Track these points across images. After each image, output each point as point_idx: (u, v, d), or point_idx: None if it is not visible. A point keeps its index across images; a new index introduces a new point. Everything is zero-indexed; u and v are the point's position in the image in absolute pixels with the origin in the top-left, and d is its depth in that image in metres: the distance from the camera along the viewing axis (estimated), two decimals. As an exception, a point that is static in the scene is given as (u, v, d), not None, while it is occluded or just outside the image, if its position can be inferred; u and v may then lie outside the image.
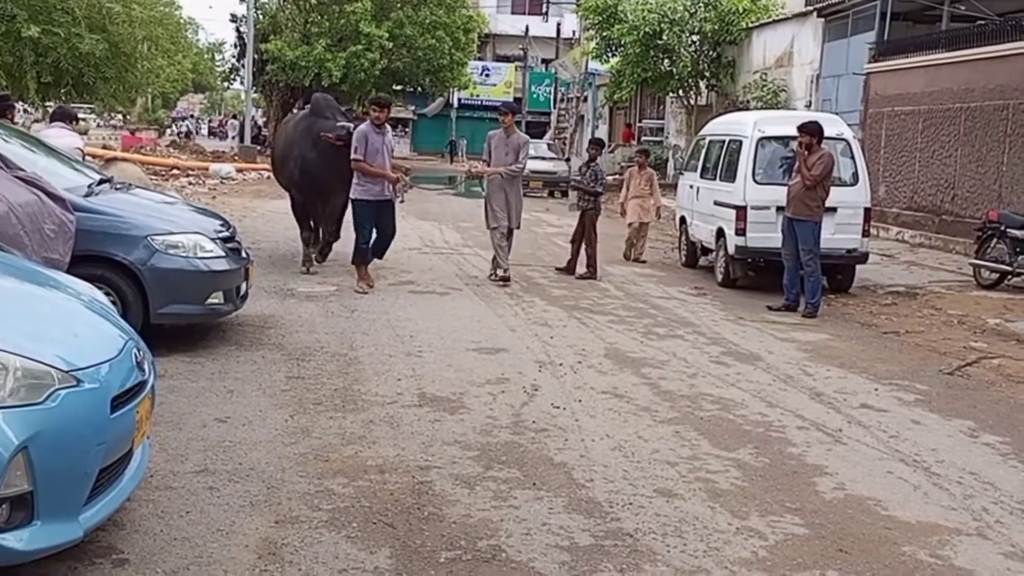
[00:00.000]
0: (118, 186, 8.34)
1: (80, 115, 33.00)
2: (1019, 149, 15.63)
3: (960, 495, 5.30)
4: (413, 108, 53.02)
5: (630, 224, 15.04)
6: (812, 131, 10.70)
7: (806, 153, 10.62)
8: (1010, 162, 15.82)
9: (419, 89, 43.11)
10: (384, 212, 10.65)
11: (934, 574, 4.29)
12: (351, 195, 10.61)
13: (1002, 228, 12.55)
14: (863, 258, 12.20)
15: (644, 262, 14.52)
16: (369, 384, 6.80)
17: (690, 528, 4.63)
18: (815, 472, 5.55)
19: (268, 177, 29.61)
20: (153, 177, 22.15)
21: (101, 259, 7.08)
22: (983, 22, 18.28)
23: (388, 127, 10.88)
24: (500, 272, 11.61)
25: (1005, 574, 4.34)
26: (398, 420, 6.04)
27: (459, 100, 53.46)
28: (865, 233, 12.03)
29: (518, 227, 11.89)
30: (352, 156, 10.31)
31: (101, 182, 7.97)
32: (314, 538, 4.26)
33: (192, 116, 71.88)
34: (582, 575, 4.07)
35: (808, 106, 22.92)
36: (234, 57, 48.06)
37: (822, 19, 23.32)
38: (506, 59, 54.10)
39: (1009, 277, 12.54)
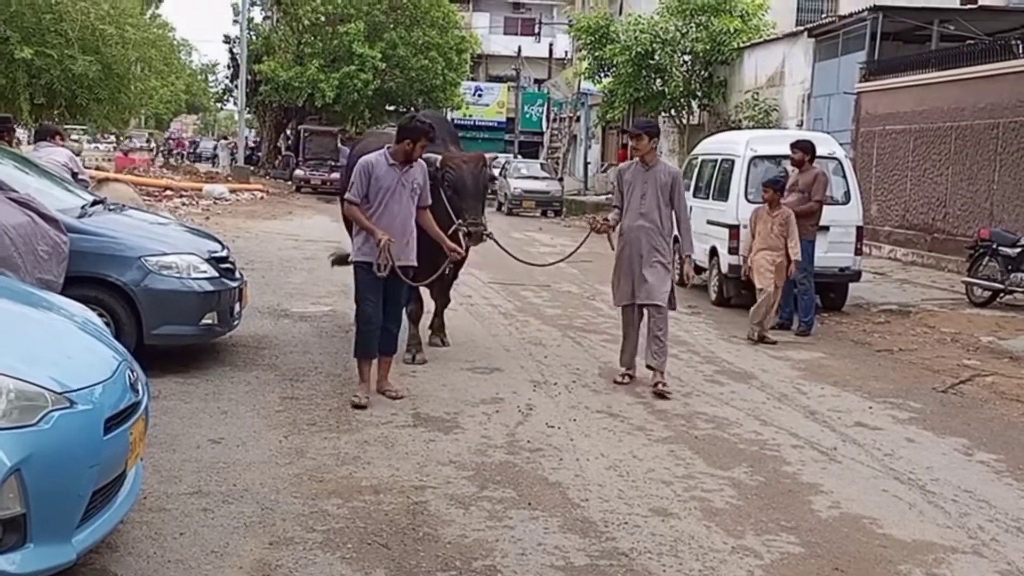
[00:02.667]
0: (111, 207, 8.34)
1: (73, 136, 33.09)
2: (1010, 167, 15.71)
3: (955, 513, 5.30)
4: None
5: (760, 289, 10.05)
6: (805, 149, 10.77)
7: (798, 171, 10.68)
8: (1001, 180, 15.90)
9: (412, 109, 43.20)
10: (392, 285, 6.98)
11: (930, 592, 4.28)
12: (351, 256, 7.14)
13: (994, 246, 12.60)
14: (856, 276, 12.23)
15: (774, 343, 9.93)
16: (363, 404, 6.78)
17: (685, 547, 4.62)
18: (810, 491, 5.54)
19: (262, 198, 29.71)
20: (146, 198, 22.14)
21: (95, 280, 7.06)
22: (972, 42, 18.43)
23: (421, 163, 7.14)
24: (623, 371, 7.99)
25: (1001, 592, 4.33)
26: (392, 440, 6.03)
27: (452, 120, 53.56)
28: (858, 251, 12.06)
29: (665, 303, 7.77)
30: (346, 196, 7.07)
31: (94, 203, 7.97)
32: (308, 559, 4.24)
33: (184, 139, 71.96)
34: (578, 595, 4.06)
35: (800, 125, 23.03)
36: (227, 78, 48.26)
37: (813, 39, 23.46)
38: (499, 79, 54.25)
39: (1001, 295, 12.59)
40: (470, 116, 51.24)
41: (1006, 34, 18.15)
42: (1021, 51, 16.07)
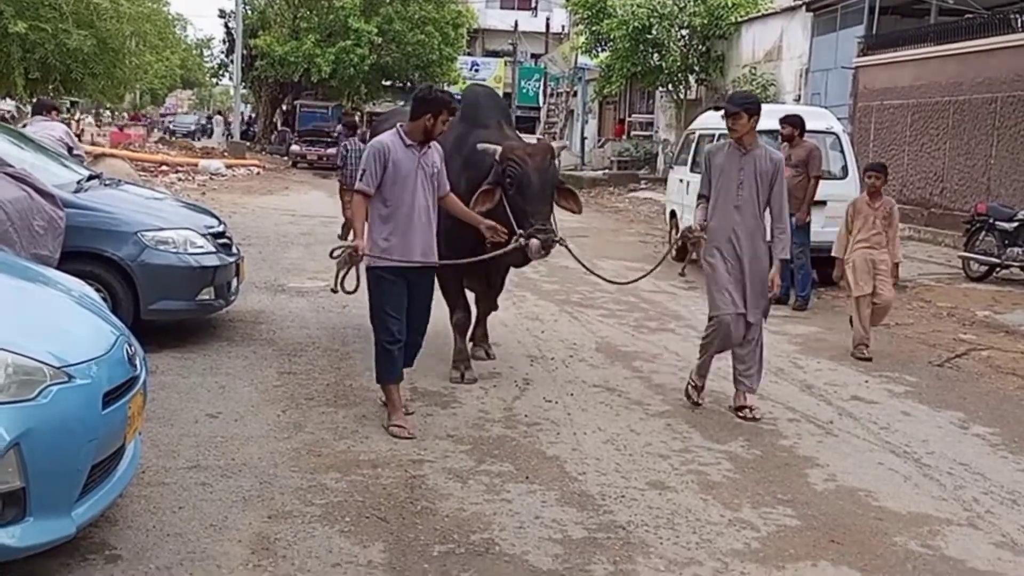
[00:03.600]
0: (107, 182, 8.32)
1: (66, 110, 32.93)
2: (1007, 142, 15.68)
3: (951, 486, 5.33)
4: (402, 104, 52.97)
5: (859, 297, 8.41)
6: (794, 123, 10.73)
7: (789, 146, 10.65)
8: (998, 155, 15.88)
9: (408, 84, 43.02)
10: (418, 290, 5.94)
11: (925, 564, 4.31)
12: (366, 262, 5.78)
13: (990, 221, 12.60)
14: (853, 251, 12.21)
15: (869, 359, 8.21)
16: (361, 379, 6.79)
17: (683, 520, 4.64)
18: (806, 464, 5.57)
19: (258, 173, 29.64)
20: (142, 174, 22.07)
21: (91, 255, 7.05)
22: (971, 16, 18.35)
23: (436, 144, 5.95)
24: (694, 381, 6.71)
25: (996, 563, 4.36)
26: (390, 415, 6.03)
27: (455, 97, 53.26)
28: (855, 226, 12.03)
29: (760, 322, 6.57)
30: (356, 187, 5.80)
31: (90, 178, 7.95)
32: (307, 533, 4.26)
33: (179, 112, 71.22)
34: (575, 568, 4.08)
35: (797, 100, 22.98)
36: (223, 53, 48.01)
37: (811, 13, 23.35)
38: (495, 54, 53.98)
39: (997, 269, 12.61)
40: (467, 91, 50.92)
41: (1004, 8, 18.07)
42: (1020, 25, 16.02)
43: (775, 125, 10.94)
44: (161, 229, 7.45)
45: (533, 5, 52.20)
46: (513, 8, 53.33)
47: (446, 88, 42.54)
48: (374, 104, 47.45)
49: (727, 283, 6.36)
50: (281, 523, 4.35)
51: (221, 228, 8.12)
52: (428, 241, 5.85)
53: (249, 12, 40.77)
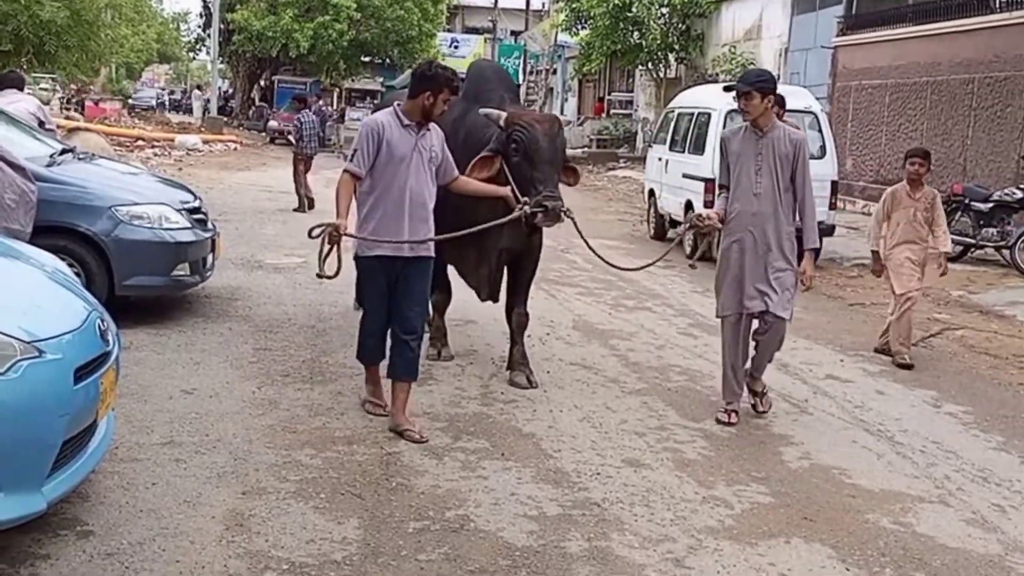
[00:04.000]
0: (81, 156, 8.23)
1: (42, 85, 32.50)
2: (984, 123, 15.77)
3: (923, 464, 5.37)
4: (381, 80, 52.64)
5: (903, 296, 7.69)
6: (778, 102, 10.67)
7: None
8: (975, 136, 15.96)
9: (387, 60, 42.74)
10: (408, 279, 5.39)
11: (897, 541, 4.35)
12: (354, 250, 5.69)
13: (966, 201, 12.70)
14: (830, 231, 12.28)
15: (911, 366, 7.52)
16: (337, 356, 6.77)
17: (657, 497, 4.66)
18: (781, 442, 5.60)
19: (235, 149, 29.42)
20: (117, 148, 21.86)
21: (64, 230, 6.98)
22: (950, -4, 18.36)
23: (436, 127, 5.51)
24: (725, 406, 5.97)
25: (966, 540, 4.40)
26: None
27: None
28: (832, 206, 12.11)
29: (787, 315, 5.97)
30: (346, 167, 5.37)
31: (63, 152, 7.85)
32: (282, 509, 4.25)
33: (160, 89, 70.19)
34: (550, 545, 4.09)
35: (776, 79, 22.97)
36: (200, 27, 47.48)
37: (791, -8, 23.36)
38: (475, 31, 53.71)
39: (972, 250, 12.70)
40: (446, 68, 50.66)
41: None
42: (997, 6, 16.07)
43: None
44: (135, 204, 7.37)
45: (514, -19, 51.91)
46: (493, -16, 53.05)
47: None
48: (352, 80, 47.14)
49: (735, 280, 5.90)
50: (255, 499, 4.33)
51: (197, 203, 8.05)
52: (420, 230, 5.33)
53: (227, -14, 40.33)
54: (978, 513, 4.73)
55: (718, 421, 5.82)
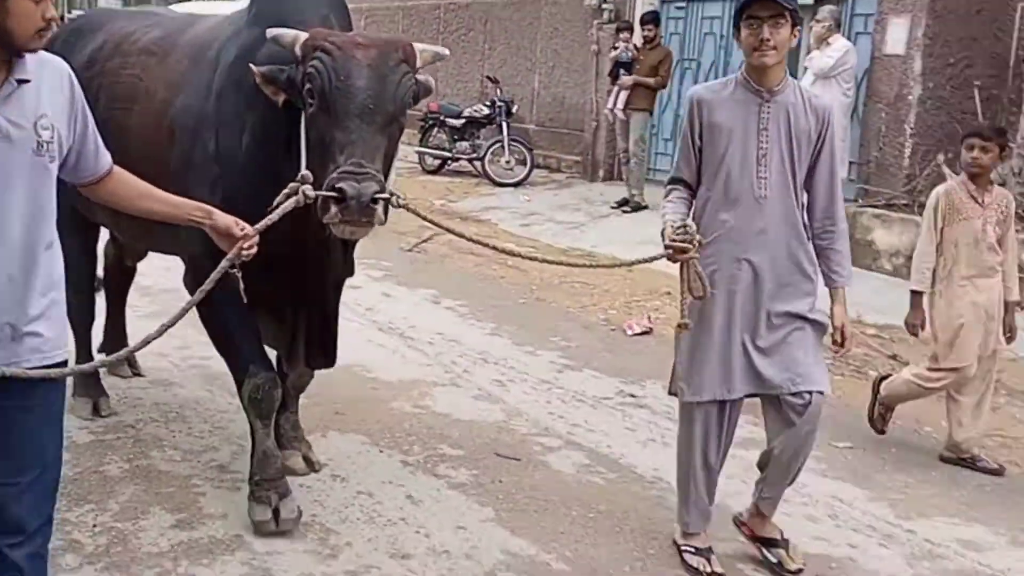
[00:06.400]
0: None
1: None
2: (451, 46, 16.99)
3: (432, 353, 5.94)
4: None
5: (957, 370, 4.68)
6: (656, 22, 10.64)
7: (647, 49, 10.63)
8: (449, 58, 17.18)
9: None
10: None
11: (420, 421, 4.82)
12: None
13: (441, 118, 13.72)
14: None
15: (995, 469, 4.79)
16: None
17: (192, 411, 4.68)
18: (304, 347, 5.83)
19: None
20: None
21: None
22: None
23: (56, 64, 2.44)
24: (688, 541, 3.64)
25: (477, 412, 4.99)
26: None
27: None
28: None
29: (826, 387, 3.50)
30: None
31: None
32: None
33: None
34: (87, 471, 3.97)
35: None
36: None
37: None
38: None
39: (448, 162, 13.81)
40: None
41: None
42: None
43: None
44: None
45: None
46: None
47: None
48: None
49: (722, 346, 3.47)
50: None
51: None
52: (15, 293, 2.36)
53: None
54: (483, 389, 5.36)
55: (688, 567, 3.56)
